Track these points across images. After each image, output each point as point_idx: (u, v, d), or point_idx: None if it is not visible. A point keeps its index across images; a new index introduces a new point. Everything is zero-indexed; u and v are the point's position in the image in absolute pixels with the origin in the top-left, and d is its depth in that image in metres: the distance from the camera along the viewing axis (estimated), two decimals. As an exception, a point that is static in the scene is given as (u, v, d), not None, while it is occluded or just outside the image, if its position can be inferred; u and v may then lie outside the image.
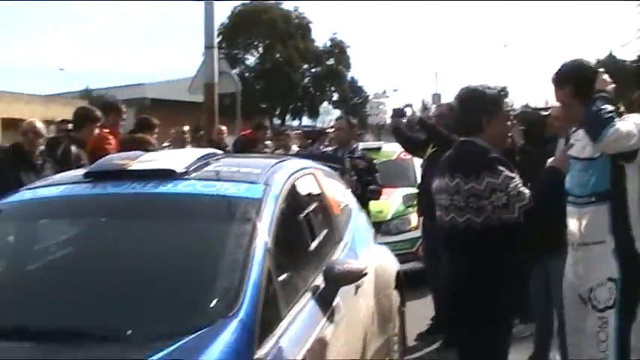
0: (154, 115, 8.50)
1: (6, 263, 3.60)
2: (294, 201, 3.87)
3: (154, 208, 3.45)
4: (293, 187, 3.92)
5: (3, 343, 2.60)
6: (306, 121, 53.48)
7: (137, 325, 2.66)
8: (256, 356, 2.67)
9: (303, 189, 4.22)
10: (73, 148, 6.87)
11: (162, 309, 2.82)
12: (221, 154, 4.39)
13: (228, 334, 2.62)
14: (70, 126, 8.84)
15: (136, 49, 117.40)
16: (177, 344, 2.52)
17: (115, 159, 3.85)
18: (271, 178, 3.71)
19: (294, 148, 11.85)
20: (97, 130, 7.21)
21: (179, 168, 3.60)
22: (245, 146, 10.22)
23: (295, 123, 50.98)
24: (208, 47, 11.45)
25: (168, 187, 3.48)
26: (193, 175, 3.63)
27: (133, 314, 2.81)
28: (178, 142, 9.21)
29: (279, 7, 52.33)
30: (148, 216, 3.45)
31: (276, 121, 47.32)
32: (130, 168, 3.64)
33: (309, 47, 53.14)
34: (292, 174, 4.02)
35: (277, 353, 2.78)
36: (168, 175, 3.56)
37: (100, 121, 7.19)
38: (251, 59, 53.16)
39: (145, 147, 7.60)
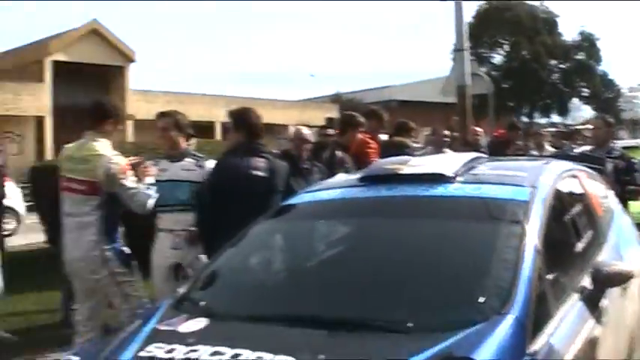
0: (402, 117, 8.75)
1: (297, 259, 4.05)
2: (559, 203, 3.93)
3: (427, 210, 3.69)
4: (558, 189, 3.99)
5: (301, 330, 2.94)
6: (555, 118, 51.73)
7: (417, 318, 2.88)
8: (528, 352, 2.78)
9: (568, 191, 4.27)
10: (338, 153, 7.34)
11: (440, 304, 3.04)
12: (485, 157, 4.56)
13: (503, 330, 2.76)
14: (331, 131, 9.42)
15: (381, 51, 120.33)
16: (455, 337, 2.71)
17: (387, 164, 4.14)
18: (537, 181, 3.84)
19: (548, 147, 11.65)
20: (359, 135, 7.62)
21: (448, 172, 3.81)
22: (499, 147, 10.24)
23: (544, 121, 49.54)
24: (458, 50, 11.55)
25: (439, 190, 3.72)
26: (461, 178, 3.84)
27: (412, 308, 3.05)
28: (437, 145, 9.42)
29: (523, 4, 51.11)
30: (422, 217, 3.69)
31: (525, 120, 46.21)
32: (401, 172, 3.92)
33: (556, 42, 51.44)
34: (557, 176, 4.11)
35: (548, 351, 2.86)
36: (438, 179, 3.79)
37: (363, 126, 7.60)
38: (497, 58, 52.42)
39: (404, 150, 7.94)
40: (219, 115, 36.02)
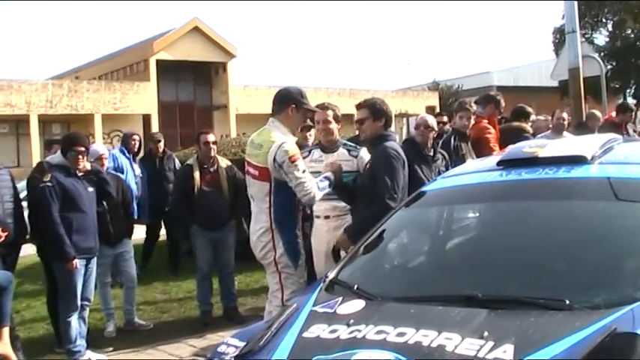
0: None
1: (445, 242, 4.18)
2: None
3: (571, 191, 3.72)
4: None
5: (461, 308, 3.02)
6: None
7: (577, 296, 2.93)
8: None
9: None
10: (452, 140, 7.37)
11: (598, 282, 3.09)
12: (621, 139, 4.53)
13: None
14: (445, 119, 9.45)
15: (479, 37, 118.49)
16: (618, 314, 2.75)
17: (525, 147, 4.17)
18: (680, 160, 3.81)
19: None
20: (472, 121, 7.61)
21: (588, 154, 3.83)
22: (611, 131, 10.00)
23: (652, 101, 47.68)
24: (570, 32, 11.32)
25: (581, 172, 3.74)
26: (602, 159, 3.85)
27: (571, 286, 3.11)
28: (557, 129, 9.29)
29: (627, -19, 49.24)
30: (567, 198, 3.72)
31: (631, 101, 44.66)
32: (540, 155, 3.95)
33: (663, 19, 49.31)
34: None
35: None
36: (578, 160, 3.81)
37: (466, 111, 7.57)
38: (600, 38, 50.74)
39: (522, 135, 7.91)
40: (320, 107, 36.30)
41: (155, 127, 39.50)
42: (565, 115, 9.58)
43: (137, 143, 10.28)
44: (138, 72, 41.74)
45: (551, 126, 9.67)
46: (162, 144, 10.28)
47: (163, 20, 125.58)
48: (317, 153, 6.14)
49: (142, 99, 39.24)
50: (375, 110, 5.62)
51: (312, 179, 5.26)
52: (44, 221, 6.31)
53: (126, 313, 7.79)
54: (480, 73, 53.54)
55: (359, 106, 5.76)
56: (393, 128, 6.06)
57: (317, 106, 5.98)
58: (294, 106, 5.38)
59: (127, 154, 10.02)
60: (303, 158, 5.54)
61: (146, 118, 39.69)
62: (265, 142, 5.30)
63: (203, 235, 7.83)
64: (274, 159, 5.17)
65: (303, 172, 5.20)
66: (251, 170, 5.40)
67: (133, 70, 42.63)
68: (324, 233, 6.02)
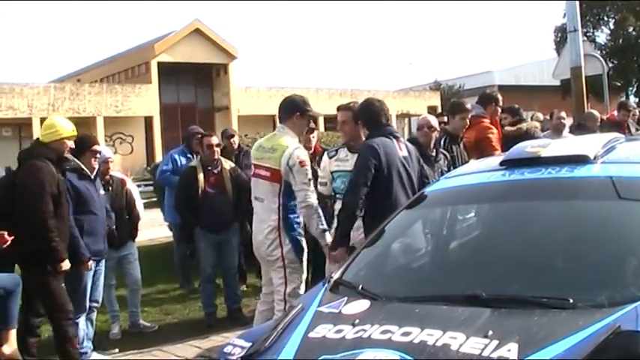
0: (504, 101, 8.61)
1: (448, 243, 4.21)
2: None
3: (574, 191, 3.74)
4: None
5: (464, 308, 3.03)
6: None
7: (580, 295, 2.95)
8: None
9: None
10: (442, 141, 7.34)
11: (601, 281, 3.11)
12: (623, 138, 4.54)
13: None
14: (446, 119, 9.42)
15: (480, 37, 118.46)
16: (621, 312, 2.77)
17: (527, 147, 4.18)
18: (683, 159, 3.82)
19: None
20: (467, 122, 7.51)
21: (590, 153, 3.84)
22: (613, 130, 10.00)
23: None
24: (572, 31, 11.33)
25: (584, 172, 3.75)
26: (604, 159, 3.87)
27: (573, 285, 3.13)
28: (556, 129, 9.31)
29: (629, -21, 49.25)
30: (570, 198, 3.73)
31: (633, 99, 44.68)
32: (543, 155, 3.97)
33: (665, 17, 49.35)
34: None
35: None
36: (580, 160, 3.82)
37: (466, 112, 7.49)
38: (601, 36, 50.75)
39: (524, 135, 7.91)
40: (322, 107, 36.32)
41: (157, 130, 39.63)
42: (564, 114, 9.58)
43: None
44: (139, 74, 41.83)
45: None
46: (236, 139, 9.66)
47: (164, 22, 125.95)
48: (343, 152, 6.22)
49: (143, 101, 39.32)
50: (355, 113, 5.97)
51: (313, 190, 5.65)
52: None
53: (131, 315, 7.83)
54: (482, 73, 53.58)
55: (339, 109, 6.22)
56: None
57: (338, 107, 6.34)
58: (298, 113, 5.81)
59: (190, 155, 9.32)
60: (330, 158, 6.19)
61: (148, 121, 39.80)
62: (278, 146, 5.70)
63: (207, 237, 7.86)
64: (287, 162, 5.57)
65: (309, 180, 5.57)
66: (262, 172, 5.76)
67: (134, 72, 42.73)
68: None
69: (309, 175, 5.61)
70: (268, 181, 5.70)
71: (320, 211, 5.64)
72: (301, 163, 5.55)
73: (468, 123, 7.46)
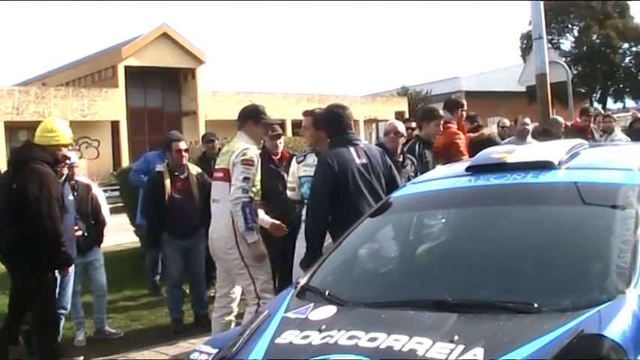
0: (470, 107, 8.68)
1: (414, 248, 4.23)
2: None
3: (539, 196, 3.77)
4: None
5: (431, 313, 3.05)
6: (629, 103, 50.67)
7: (545, 299, 2.99)
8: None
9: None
10: (417, 147, 7.39)
11: (565, 285, 3.14)
12: (587, 144, 4.61)
13: (629, 308, 2.85)
14: (414, 124, 9.47)
15: (447, 43, 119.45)
16: (584, 316, 2.80)
17: (493, 153, 4.22)
18: (644, 164, 3.88)
19: (618, 132, 11.59)
20: (441, 128, 7.59)
21: (555, 159, 3.89)
22: (577, 136, 10.13)
23: (617, 106, 48.57)
24: (537, 38, 11.47)
25: (549, 177, 3.79)
26: (569, 164, 3.92)
27: (539, 290, 3.16)
28: (520, 135, 9.41)
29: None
30: (535, 203, 3.77)
31: (597, 105, 45.39)
32: (508, 161, 4.01)
33: (628, 25, 50.26)
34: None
35: None
36: (545, 166, 3.87)
37: (441, 119, 7.56)
38: (566, 44, 51.54)
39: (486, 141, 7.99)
40: (290, 112, 36.33)
41: (124, 134, 39.27)
42: (528, 120, 9.69)
43: None
44: (106, 78, 41.45)
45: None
46: (217, 144, 9.59)
47: (132, 26, 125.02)
48: (311, 158, 6.23)
49: (110, 105, 38.96)
50: (315, 120, 6.07)
51: (250, 192, 5.74)
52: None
53: (96, 321, 7.75)
54: (449, 79, 53.98)
55: (304, 114, 6.34)
56: (362, 134, 6.14)
57: (303, 113, 6.45)
58: (251, 121, 6.03)
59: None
60: (298, 163, 6.28)
61: (114, 125, 39.43)
62: (232, 148, 5.93)
63: (174, 242, 7.82)
64: (233, 159, 5.80)
65: (245, 178, 5.70)
66: (217, 174, 6.00)
67: (101, 76, 42.34)
68: None
69: (247, 174, 5.73)
70: (222, 182, 5.92)
71: (248, 210, 5.70)
72: (244, 161, 5.73)
73: (442, 129, 7.51)
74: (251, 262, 5.80)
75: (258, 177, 5.91)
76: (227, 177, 5.86)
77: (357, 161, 5.57)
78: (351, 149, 5.62)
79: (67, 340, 7.40)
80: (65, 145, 6.03)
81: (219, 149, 9.38)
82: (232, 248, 5.79)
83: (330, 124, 5.82)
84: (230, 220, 5.77)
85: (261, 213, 6.06)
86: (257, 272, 5.83)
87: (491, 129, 9.43)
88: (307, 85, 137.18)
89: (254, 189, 5.81)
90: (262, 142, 6.59)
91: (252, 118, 6.04)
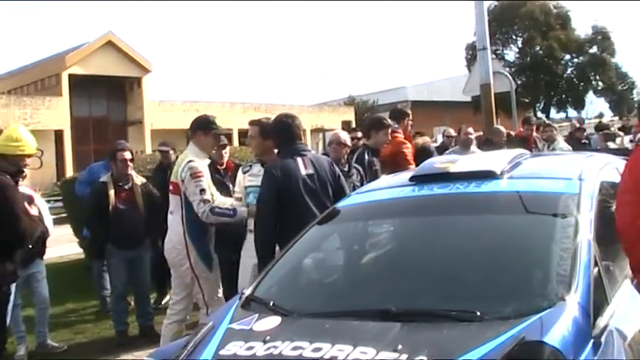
0: (416, 117, 8.79)
1: (359, 258, 4.23)
2: (605, 193, 4.05)
3: (481, 206, 3.83)
4: (603, 180, 4.10)
5: (375, 323, 3.07)
6: (571, 112, 51.84)
7: (487, 307, 3.02)
8: (593, 335, 2.91)
9: (612, 182, 4.37)
10: (366, 155, 7.43)
11: (507, 293, 3.19)
12: (528, 154, 4.69)
13: (569, 315, 2.90)
14: (360, 134, 9.54)
15: (393, 53, 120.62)
16: (526, 323, 2.84)
17: (437, 163, 4.28)
18: (583, 174, 3.97)
19: (561, 141, 11.83)
20: (389, 137, 7.65)
21: (497, 169, 3.95)
22: (519, 145, 10.31)
23: (560, 115, 49.64)
24: (481, 49, 11.66)
25: (491, 187, 3.86)
26: (510, 174, 3.98)
27: (480, 298, 3.20)
28: (464, 144, 9.53)
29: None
30: (478, 212, 3.83)
31: (540, 115, 46.30)
32: (452, 170, 4.05)
33: (570, 37, 51.47)
34: (601, 168, 4.23)
35: (610, 333, 3.00)
36: (488, 175, 3.93)
37: (389, 128, 7.63)
38: (510, 54, 52.53)
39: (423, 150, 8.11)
40: (237, 122, 36.19)
41: (68, 144, 38.67)
42: (471, 129, 9.83)
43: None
44: (49, 87, 40.81)
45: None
46: (172, 153, 9.39)
47: (76, 34, 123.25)
48: (256, 168, 6.15)
49: (53, 114, 38.34)
50: (262, 129, 6.06)
51: (209, 200, 5.89)
52: None
53: (38, 335, 7.58)
54: (395, 88, 54.48)
55: (250, 124, 6.32)
56: (309, 143, 6.15)
57: (249, 122, 6.41)
58: (201, 131, 6.11)
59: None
60: (244, 173, 6.21)
61: (58, 134, 38.80)
62: (181, 160, 6.05)
63: (118, 253, 7.71)
64: (181, 174, 5.90)
65: (200, 190, 5.82)
66: (170, 187, 6.09)
67: (44, 84, 41.66)
68: (253, 247, 5.98)
69: (202, 186, 5.84)
70: (172, 195, 6.02)
71: (219, 210, 5.90)
72: (192, 175, 5.84)
73: (390, 138, 7.57)
74: (201, 273, 5.96)
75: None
76: (177, 190, 5.96)
77: (303, 172, 5.55)
78: (298, 160, 5.60)
79: (7, 355, 7.22)
80: (29, 156, 5.78)
81: (177, 157, 9.42)
82: (183, 259, 5.92)
83: (279, 134, 5.79)
84: (182, 231, 5.91)
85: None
86: (205, 285, 6.00)
87: (425, 138, 9.56)
88: (254, 94, 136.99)
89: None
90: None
91: (201, 128, 6.12)
